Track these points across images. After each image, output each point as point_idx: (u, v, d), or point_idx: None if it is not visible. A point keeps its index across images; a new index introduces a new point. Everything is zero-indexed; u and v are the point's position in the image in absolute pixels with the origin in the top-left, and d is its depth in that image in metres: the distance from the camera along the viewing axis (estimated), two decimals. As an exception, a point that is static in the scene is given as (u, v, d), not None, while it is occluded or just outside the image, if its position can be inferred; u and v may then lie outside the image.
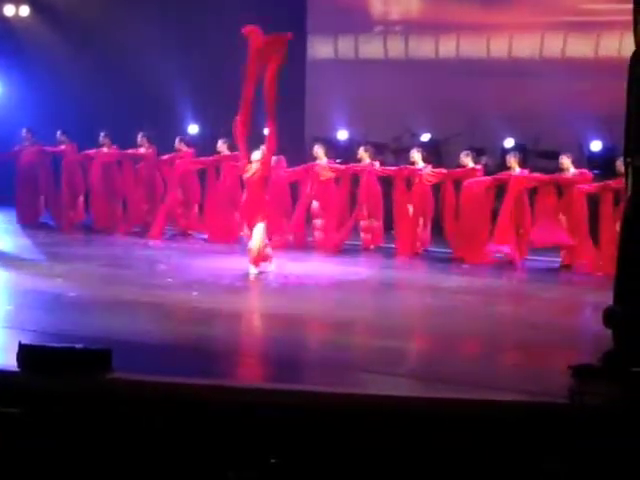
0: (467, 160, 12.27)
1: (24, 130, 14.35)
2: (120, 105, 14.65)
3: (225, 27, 14.90)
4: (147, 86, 14.75)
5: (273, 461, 5.38)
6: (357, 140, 14.68)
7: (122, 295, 9.36)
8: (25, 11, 16.05)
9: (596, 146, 13.71)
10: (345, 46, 16.17)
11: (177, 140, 13.66)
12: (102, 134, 13.88)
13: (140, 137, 13.79)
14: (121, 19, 15.09)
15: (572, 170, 11.76)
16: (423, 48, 15.61)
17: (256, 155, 10.95)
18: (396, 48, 15.75)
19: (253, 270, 10.77)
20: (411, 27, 15.63)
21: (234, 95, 15.00)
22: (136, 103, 14.67)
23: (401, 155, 14.05)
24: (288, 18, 15.48)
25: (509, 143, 14.12)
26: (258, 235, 10.72)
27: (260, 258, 10.77)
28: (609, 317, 6.45)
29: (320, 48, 16.25)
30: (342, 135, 15.21)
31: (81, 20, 15.46)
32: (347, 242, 12.94)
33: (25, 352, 6.27)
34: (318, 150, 12.87)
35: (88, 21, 15.38)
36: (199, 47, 15.15)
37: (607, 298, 6.70)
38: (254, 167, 10.82)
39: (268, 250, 10.86)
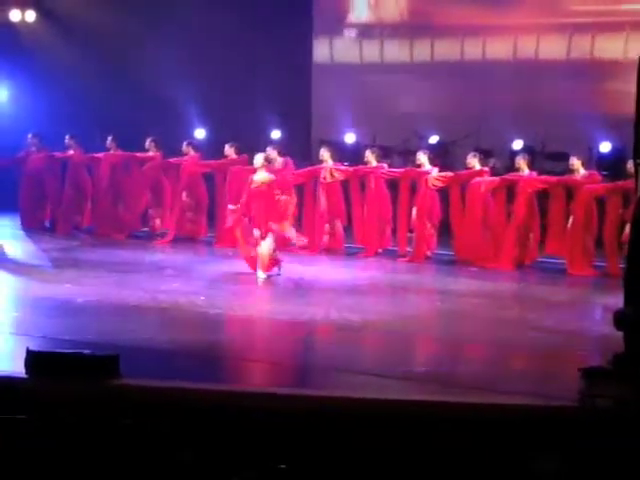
0: (474, 161, 12.20)
1: (29, 135, 14.34)
2: (127, 109, 14.62)
3: (232, 29, 14.92)
4: (154, 90, 14.73)
5: (281, 466, 5.35)
6: (364, 143, 14.63)
7: (130, 301, 9.34)
8: (31, 16, 16.04)
9: (605, 147, 13.63)
10: (351, 48, 16.13)
11: (185, 144, 13.64)
12: (109, 138, 13.88)
13: (148, 142, 13.78)
14: (127, 23, 15.07)
15: (582, 171, 11.71)
16: (430, 51, 15.55)
17: (258, 161, 10.90)
18: (402, 51, 15.70)
19: (261, 275, 10.75)
20: (414, 31, 15.59)
21: (240, 98, 15.04)
22: (143, 107, 14.65)
23: (408, 158, 13.98)
24: (295, 20, 15.48)
25: (517, 145, 14.06)
26: (267, 240, 10.70)
27: (269, 264, 10.75)
28: (620, 319, 6.41)
29: (327, 50, 16.22)
30: (349, 138, 15.18)
31: (87, 25, 15.44)
32: (354, 246, 12.90)
33: (33, 358, 6.26)
34: (324, 153, 12.84)
35: (94, 26, 15.36)
36: (206, 49, 15.13)
37: (617, 300, 6.66)
38: (261, 178, 10.78)
39: (277, 255, 10.84)
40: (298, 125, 15.34)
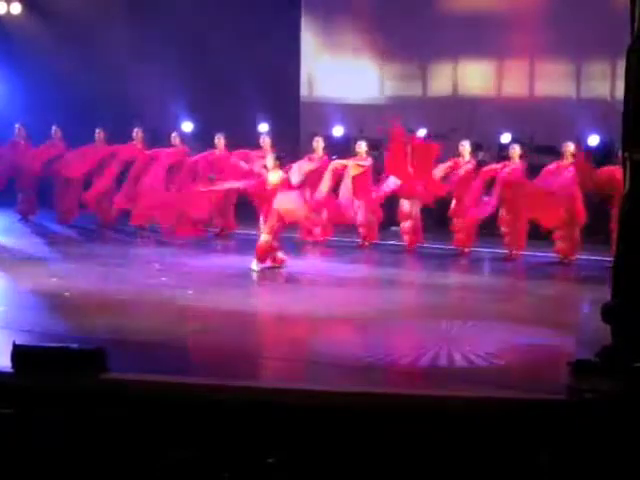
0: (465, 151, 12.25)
1: (17, 125, 14.29)
2: (112, 101, 14.59)
3: (219, 22, 14.88)
4: (139, 82, 14.69)
5: (270, 460, 5.34)
6: (353, 136, 14.62)
7: (118, 294, 9.31)
8: (16, 9, 15.97)
9: (593, 140, 13.64)
10: (340, 41, 16.08)
11: (173, 135, 13.58)
12: (97, 130, 13.85)
13: (135, 132, 13.73)
14: (114, 16, 15.03)
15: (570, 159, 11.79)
16: (418, 43, 15.51)
17: (270, 162, 10.94)
18: (393, 42, 15.66)
19: (255, 266, 10.78)
20: (405, 20, 15.54)
21: (228, 92, 14.99)
22: (128, 99, 14.61)
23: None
24: (284, 15, 15.45)
25: (506, 138, 14.09)
26: (266, 234, 10.81)
27: (263, 256, 10.79)
28: (607, 312, 6.41)
29: (315, 43, 16.18)
30: (337, 131, 15.17)
31: (73, 17, 15.38)
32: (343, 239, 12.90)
33: (19, 352, 6.23)
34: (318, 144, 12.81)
35: (80, 18, 15.31)
36: (192, 41, 15.08)
37: (605, 293, 6.67)
38: (275, 179, 10.86)
39: (280, 254, 10.89)
40: (287, 118, 15.31)
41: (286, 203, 10.78)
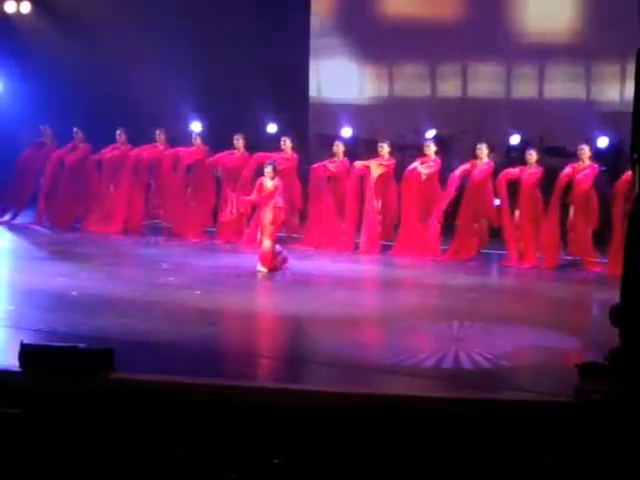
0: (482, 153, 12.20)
1: (42, 127, 14.25)
2: (121, 102, 14.59)
3: (227, 24, 14.91)
4: (149, 83, 14.69)
5: (277, 461, 5.34)
6: (361, 138, 14.61)
7: (125, 294, 9.32)
8: (26, 8, 16.00)
9: (603, 142, 13.60)
10: (350, 42, 16.08)
11: (194, 136, 13.60)
12: (118, 131, 13.84)
13: (158, 134, 13.67)
14: (124, 15, 15.03)
15: (587, 162, 11.75)
16: (427, 45, 15.52)
17: (269, 171, 11.17)
18: (400, 45, 15.66)
19: (262, 269, 10.81)
20: (414, 24, 15.55)
21: (236, 92, 15.01)
22: (137, 100, 14.61)
23: (406, 152, 13.98)
24: (291, 20, 15.47)
25: (515, 140, 14.06)
26: (269, 238, 10.90)
27: (271, 259, 10.84)
28: (616, 315, 6.39)
29: (325, 44, 16.17)
30: (346, 133, 15.15)
31: (82, 17, 15.41)
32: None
33: (27, 352, 6.24)
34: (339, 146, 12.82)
35: (89, 18, 15.33)
36: (200, 42, 15.10)
37: (614, 296, 6.65)
38: (271, 186, 11.09)
39: (280, 251, 10.98)
40: (296, 120, 15.30)
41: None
